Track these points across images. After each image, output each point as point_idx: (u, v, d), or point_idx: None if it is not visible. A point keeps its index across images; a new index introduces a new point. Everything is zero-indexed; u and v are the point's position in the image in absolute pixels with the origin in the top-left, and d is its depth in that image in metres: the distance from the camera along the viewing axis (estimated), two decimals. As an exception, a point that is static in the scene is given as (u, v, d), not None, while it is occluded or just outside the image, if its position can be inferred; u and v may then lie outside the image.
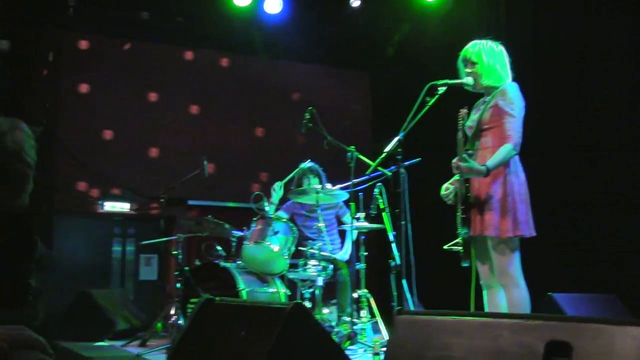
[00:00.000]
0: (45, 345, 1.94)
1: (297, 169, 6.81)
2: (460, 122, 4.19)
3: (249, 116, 9.69)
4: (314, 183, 6.59)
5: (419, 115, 4.48)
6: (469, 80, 4.39)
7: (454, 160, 4.12)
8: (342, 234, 7.03)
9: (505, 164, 4.14)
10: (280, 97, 9.76)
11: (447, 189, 4.46)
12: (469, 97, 4.55)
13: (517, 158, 4.23)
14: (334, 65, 10.12)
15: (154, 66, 9.19)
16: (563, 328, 1.87)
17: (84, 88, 8.77)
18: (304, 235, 6.73)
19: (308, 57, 9.67)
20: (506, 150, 4.11)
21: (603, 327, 1.79)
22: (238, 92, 9.62)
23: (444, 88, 4.44)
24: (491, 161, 4.08)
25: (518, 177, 4.21)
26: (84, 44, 8.81)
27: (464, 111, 4.27)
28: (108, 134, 8.83)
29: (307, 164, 6.81)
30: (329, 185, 6.52)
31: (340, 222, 6.96)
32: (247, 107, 9.66)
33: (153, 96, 9.12)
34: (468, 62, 4.40)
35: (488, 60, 4.33)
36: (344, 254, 6.77)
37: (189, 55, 9.47)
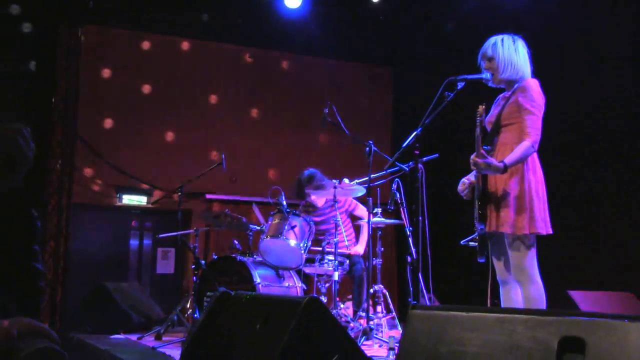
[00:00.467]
0: (52, 333, 1.98)
1: (296, 182, 6.91)
2: (479, 118, 4.16)
3: (268, 112, 9.71)
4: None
5: (437, 111, 4.47)
6: (487, 75, 4.37)
7: (472, 156, 4.10)
8: (358, 230, 7.06)
9: (523, 161, 4.12)
10: (300, 92, 9.77)
11: (464, 184, 4.45)
12: (490, 93, 4.53)
13: (535, 155, 4.20)
14: (356, 60, 10.13)
15: (171, 60, 9.23)
16: (577, 324, 1.86)
17: (103, 82, 8.82)
18: (320, 231, 6.77)
19: (330, 53, 9.68)
20: (525, 147, 4.08)
21: (617, 323, 1.78)
22: (256, 85, 9.64)
23: (463, 83, 4.42)
24: (509, 158, 4.06)
25: (535, 175, 4.18)
26: (104, 35, 8.86)
27: (482, 107, 4.25)
28: (127, 127, 8.88)
29: (304, 173, 6.89)
30: (346, 181, 6.52)
31: (354, 218, 6.97)
32: (266, 102, 9.69)
33: (172, 91, 9.16)
34: (485, 58, 4.39)
35: (504, 53, 4.31)
36: (360, 247, 6.80)
37: (210, 47, 9.50)
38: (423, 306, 2.33)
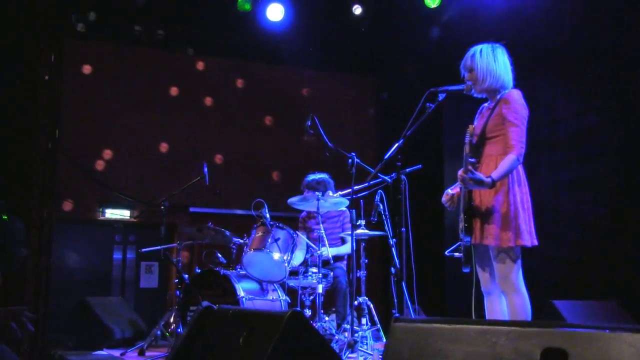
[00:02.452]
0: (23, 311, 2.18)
1: (303, 182, 6.85)
2: (468, 138, 4.17)
3: (252, 122, 9.70)
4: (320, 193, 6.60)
5: (419, 122, 4.46)
6: (468, 85, 4.38)
7: (460, 172, 4.10)
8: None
9: (509, 174, 4.13)
10: (284, 102, 9.78)
11: (448, 195, 4.45)
12: (471, 105, 4.54)
13: (520, 167, 4.21)
14: (339, 71, 10.15)
15: (154, 73, 9.21)
16: (559, 335, 1.85)
17: (85, 95, 8.78)
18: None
19: (313, 63, 9.70)
20: (510, 160, 4.09)
21: (599, 333, 1.77)
22: (240, 98, 9.64)
23: (444, 94, 4.43)
24: (496, 173, 4.06)
25: (521, 187, 4.19)
26: (84, 49, 8.83)
27: (472, 127, 4.26)
28: (109, 141, 8.84)
29: (312, 176, 6.84)
30: (330, 193, 6.51)
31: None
32: (251, 113, 9.68)
33: (155, 103, 9.13)
34: (466, 68, 4.40)
35: (482, 63, 4.31)
36: (327, 250, 6.65)
37: (193, 59, 9.49)
38: (405, 319, 2.32)
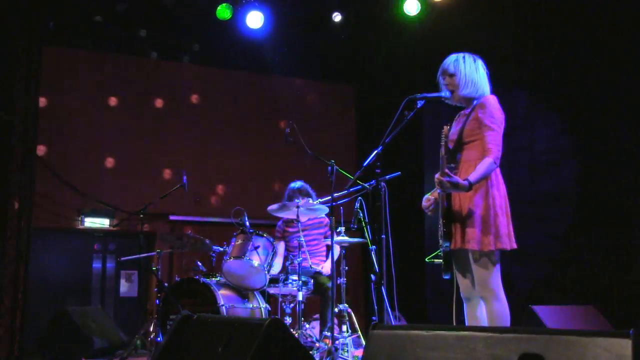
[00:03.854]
0: None
1: (287, 190, 6.85)
2: (444, 138, 4.19)
3: (232, 131, 9.67)
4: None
5: (398, 129, 4.48)
6: (447, 93, 4.40)
7: (437, 176, 4.12)
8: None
9: (486, 177, 4.15)
10: (264, 111, 9.77)
11: (429, 200, 4.46)
12: (452, 110, 4.56)
13: (498, 171, 4.23)
14: (318, 79, 10.17)
15: (132, 80, 9.17)
16: (536, 340, 1.86)
17: (63, 103, 8.73)
18: (289, 249, 6.75)
19: (293, 72, 9.71)
20: (487, 164, 4.11)
21: (575, 338, 1.79)
22: (219, 104, 9.62)
23: (423, 102, 4.44)
24: (473, 176, 4.08)
25: (499, 190, 4.21)
26: (64, 56, 8.78)
27: (447, 128, 4.28)
28: (87, 149, 8.78)
29: (296, 184, 6.84)
30: (310, 200, 6.52)
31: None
32: (230, 122, 9.66)
33: (134, 111, 9.09)
34: (446, 74, 4.41)
35: (465, 71, 4.34)
36: (325, 267, 6.76)
37: (172, 67, 9.47)
38: (383, 325, 2.32)
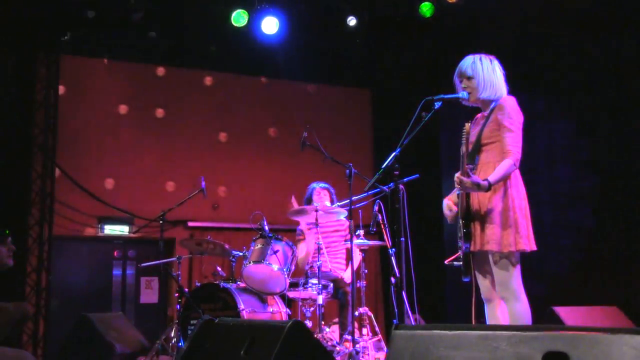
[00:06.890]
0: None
1: (309, 190, 6.84)
2: (464, 136, 4.17)
3: (247, 135, 9.71)
4: (325, 202, 6.61)
5: (415, 131, 4.47)
6: (464, 94, 4.38)
7: (457, 175, 4.10)
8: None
9: (506, 178, 4.13)
10: (281, 116, 9.80)
11: (450, 208, 4.42)
12: (469, 112, 4.55)
13: (517, 172, 4.21)
14: (334, 83, 10.18)
15: (149, 87, 9.23)
16: (560, 338, 1.85)
17: (82, 112, 8.80)
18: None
19: (309, 76, 9.74)
20: (507, 165, 4.09)
21: (599, 336, 1.78)
22: (236, 110, 9.66)
23: (440, 103, 4.42)
24: (493, 176, 4.06)
25: (518, 191, 4.19)
26: (81, 65, 8.85)
27: (468, 125, 4.26)
28: (106, 157, 8.84)
29: (318, 183, 6.83)
30: (327, 204, 6.51)
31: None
32: (248, 127, 9.69)
33: (152, 118, 9.15)
34: (464, 76, 4.39)
35: (484, 73, 4.32)
36: (346, 274, 6.73)
37: (188, 73, 9.51)
38: (406, 326, 2.32)
